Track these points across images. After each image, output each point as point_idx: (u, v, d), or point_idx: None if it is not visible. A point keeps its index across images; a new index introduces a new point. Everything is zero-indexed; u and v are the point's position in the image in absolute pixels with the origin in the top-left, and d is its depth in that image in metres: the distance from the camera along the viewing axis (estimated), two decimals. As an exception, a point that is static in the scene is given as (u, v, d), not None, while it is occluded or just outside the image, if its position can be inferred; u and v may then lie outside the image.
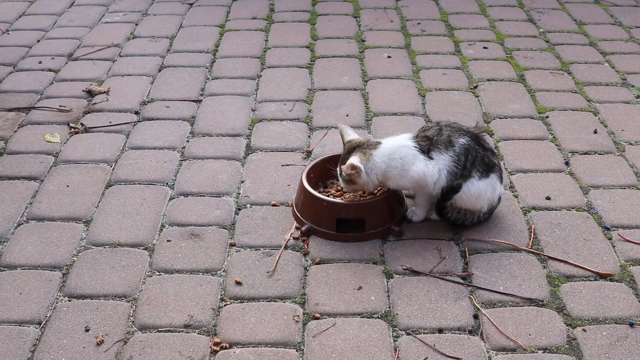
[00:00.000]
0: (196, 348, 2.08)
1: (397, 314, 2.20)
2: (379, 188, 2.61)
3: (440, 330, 2.14)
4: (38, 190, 2.77)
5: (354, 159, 2.39)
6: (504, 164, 2.91)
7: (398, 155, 2.42)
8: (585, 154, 2.99)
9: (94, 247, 2.48)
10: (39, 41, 4.06)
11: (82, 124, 3.21)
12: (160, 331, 2.14)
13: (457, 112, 3.28)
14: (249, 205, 2.69)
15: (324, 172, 2.69)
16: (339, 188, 2.66)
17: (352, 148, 2.47)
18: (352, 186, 2.48)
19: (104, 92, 3.49)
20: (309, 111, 3.31)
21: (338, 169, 2.51)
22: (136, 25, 4.26)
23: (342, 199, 2.59)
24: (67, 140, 3.10)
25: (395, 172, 2.42)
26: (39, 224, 2.59)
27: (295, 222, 2.57)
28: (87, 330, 2.13)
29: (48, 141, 3.09)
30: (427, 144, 2.43)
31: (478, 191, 2.44)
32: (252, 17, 4.34)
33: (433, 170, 2.40)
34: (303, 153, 2.99)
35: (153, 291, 2.29)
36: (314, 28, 4.19)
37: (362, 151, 2.43)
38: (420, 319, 2.18)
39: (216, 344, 2.09)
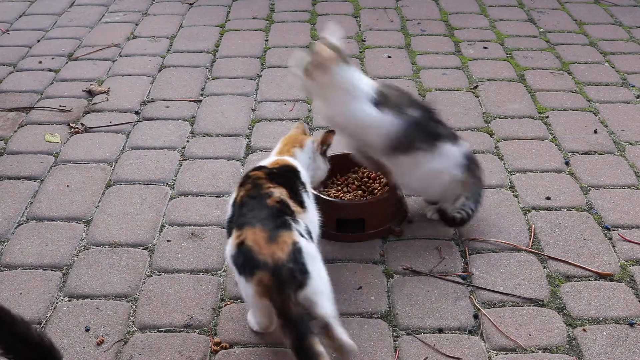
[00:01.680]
0: (196, 348, 2.08)
1: (397, 314, 2.20)
2: (378, 188, 2.61)
3: (440, 330, 2.14)
4: (38, 190, 2.77)
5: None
6: (503, 164, 2.91)
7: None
8: (585, 154, 2.99)
9: (94, 247, 2.48)
10: (39, 41, 4.06)
11: (82, 124, 3.21)
12: (160, 331, 2.14)
13: (457, 112, 3.28)
14: (249, 205, 2.68)
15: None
16: (339, 188, 2.66)
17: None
18: (310, 80, 2.36)
19: (104, 92, 3.49)
20: (309, 111, 3.31)
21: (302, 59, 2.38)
22: (136, 25, 4.26)
23: (342, 199, 2.58)
24: (67, 140, 3.10)
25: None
26: (39, 224, 2.59)
27: (295, 222, 2.57)
28: (87, 330, 2.13)
29: (48, 141, 3.09)
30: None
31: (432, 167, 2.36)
32: (252, 17, 4.34)
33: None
34: (303, 153, 2.99)
35: (153, 291, 2.29)
36: (314, 28, 4.19)
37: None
38: (420, 319, 2.18)
39: (216, 344, 2.09)
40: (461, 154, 2.39)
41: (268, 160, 2.26)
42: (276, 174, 2.14)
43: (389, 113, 2.32)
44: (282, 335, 1.83)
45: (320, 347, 1.79)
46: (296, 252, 1.86)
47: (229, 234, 2.00)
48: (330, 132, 2.38)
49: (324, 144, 2.37)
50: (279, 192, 2.02)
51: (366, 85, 2.39)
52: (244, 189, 2.07)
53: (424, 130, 2.34)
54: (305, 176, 2.22)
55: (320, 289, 1.90)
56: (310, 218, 2.08)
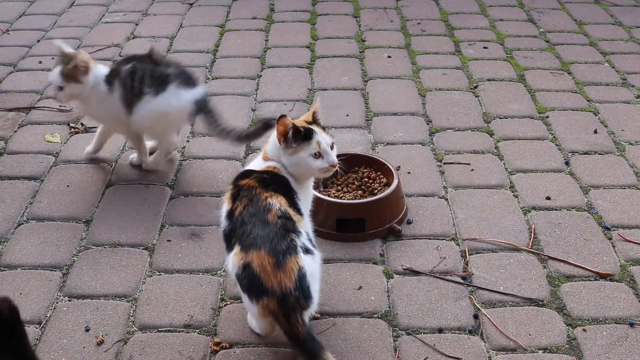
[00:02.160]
0: (196, 348, 2.08)
1: (397, 314, 2.20)
2: (378, 188, 2.60)
3: (440, 330, 2.14)
4: (38, 190, 2.77)
5: (89, 59, 2.63)
6: (503, 164, 2.91)
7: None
8: (585, 154, 2.99)
9: (94, 247, 2.48)
10: (39, 41, 4.06)
11: (82, 124, 3.21)
12: (160, 331, 2.14)
13: (457, 112, 3.28)
14: (249, 205, 2.68)
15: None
16: (339, 188, 2.66)
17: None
18: (69, 83, 2.60)
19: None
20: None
21: (62, 64, 2.60)
22: (136, 25, 4.26)
23: (342, 199, 2.58)
24: (67, 140, 3.10)
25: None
26: (39, 224, 2.59)
27: (295, 222, 2.57)
28: (87, 330, 2.13)
29: (48, 141, 3.09)
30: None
31: (157, 107, 2.63)
32: (252, 17, 4.34)
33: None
34: (303, 153, 2.99)
35: (153, 291, 2.29)
36: (314, 28, 4.19)
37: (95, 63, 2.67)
38: (420, 319, 2.18)
39: (216, 344, 2.09)
40: (191, 97, 2.67)
41: (258, 162, 2.16)
42: (268, 179, 2.04)
43: (116, 83, 2.67)
44: (294, 352, 1.95)
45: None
46: (302, 279, 1.87)
47: (229, 247, 1.99)
48: (281, 117, 2.07)
49: (281, 135, 2.08)
50: (278, 203, 1.96)
51: (101, 70, 2.70)
52: (240, 203, 1.99)
53: (151, 76, 2.64)
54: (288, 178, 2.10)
55: (316, 302, 1.95)
56: (305, 222, 2.05)
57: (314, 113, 2.16)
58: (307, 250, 1.93)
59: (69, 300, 2.26)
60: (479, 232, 2.53)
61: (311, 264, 1.92)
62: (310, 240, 2.00)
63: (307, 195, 2.17)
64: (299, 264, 1.88)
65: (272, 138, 2.13)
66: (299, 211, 2.02)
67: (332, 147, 2.10)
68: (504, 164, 2.92)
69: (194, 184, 2.81)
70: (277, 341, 2.09)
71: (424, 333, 2.13)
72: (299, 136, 2.06)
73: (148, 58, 2.70)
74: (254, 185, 2.01)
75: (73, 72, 2.61)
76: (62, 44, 2.69)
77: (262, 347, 2.08)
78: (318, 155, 2.07)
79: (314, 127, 2.10)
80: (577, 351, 2.07)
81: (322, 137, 2.08)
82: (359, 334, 2.12)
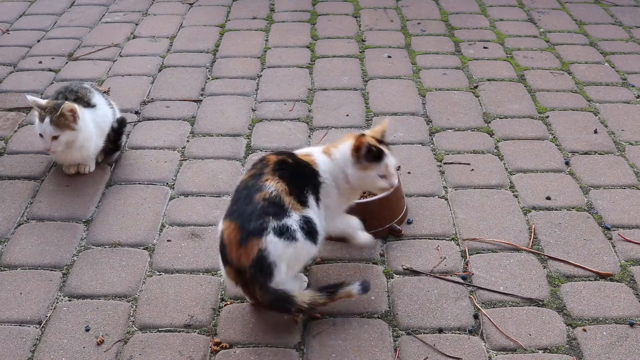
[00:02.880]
0: (196, 348, 2.08)
1: (397, 314, 2.20)
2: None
3: (440, 330, 2.14)
4: (38, 190, 2.77)
5: (75, 104, 2.69)
6: (503, 164, 2.91)
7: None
8: (585, 154, 2.99)
9: (94, 247, 2.48)
10: (39, 41, 4.06)
11: (82, 124, 3.21)
12: (160, 331, 2.14)
13: (457, 112, 3.28)
14: (249, 205, 2.68)
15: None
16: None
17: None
18: (66, 134, 2.67)
19: (104, 92, 3.48)
20: (309, 111, 3.31)
21: (49, 115, 2.65)
22: (136, 25, 4.26)
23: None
24: (67, 140, 3.10)
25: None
26: (39, 224, 2.59)
27: (295, 222, 2.57)
28: (87, 330, 2.13)
29: (48, 141, 3.09)
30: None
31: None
32: (252, 17, 4.34)
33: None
34: (303, 153, 2.99)
35: (153, 291, 2.29)
36: (314, 28, 4.19)
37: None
38: (420, 319, 2.18)
39: (216, 344, 2.09)
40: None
41: (307, 149, 2.30)
42: (289, 165, 2.16)
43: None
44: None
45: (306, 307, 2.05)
46: (262, 259, 2.01)
47: None
48: (361, 136, 2.20)
49: (356, 150, 2.18)
50: (274, 187, 2.07)
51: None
52: (250, 173, 2.16)
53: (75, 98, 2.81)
54: (327, 179, 2.19)
55: (289, 278, 2.08)
56: (311, 215, 2.11)
57: (382, 132, 2.27)
58: (287, 235, 2.02)
59: (69, 300, 2.26)
60: (479, 232, 2.53)
61: (282, 248, 2.02)
62: (305, 224, 2.07)
63: (343, 200, 2.27)
64: (261, 245, 2.00)
65: (344, 145, 2.22)
66: (301, 201, 2.10)
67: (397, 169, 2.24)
68: (504, 164, 2.92)
69: (194, 184, 2.81)
70: (277, 341, 2.09)
71: (424, 333, 2.13)
72: (371, 156, 2.18)
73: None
74: (269, 164, 2.14)
75: (64, 121, 2.67)
76: (34, 97, 2.73)
77: (262, 347, 2.08)
78: (383, 176, 2.20)
79: (384, 149, 2.21)
80: (577, 351, 2.07)
81: (390, 160, 2.21)
82: (359, 334, 2.12)
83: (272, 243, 2.01)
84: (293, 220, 2.05)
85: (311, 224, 2.09)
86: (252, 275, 2.02)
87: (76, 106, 2.68)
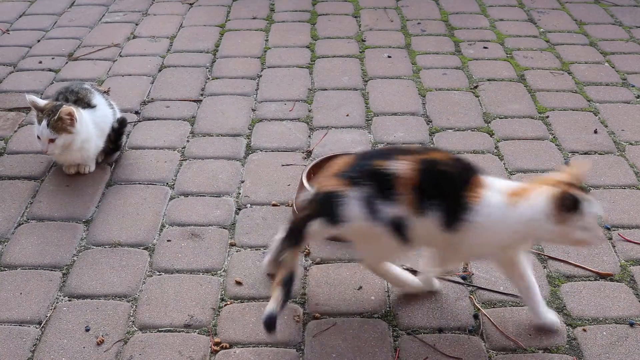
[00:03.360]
0: (196, 348, 2.08)
1: (397, 314, 2.20)
2: None
3: (440, 330, 2.14)
4: (38, 190, 2.77)
5: (73, 107, 2.67)
6: (503, 164, 2.91)
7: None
8: (585, 154, 2.99)
9: (94, 247, 2.48)
10: (39, 41, 4.06)
11: (82, 124, 3.21)
12: (160, 331, 2.14)
13: (457, 112, 3.28)
14: (249, 205, 2.69)
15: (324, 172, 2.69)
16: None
17: (54, 106, 2.68)
18: (63, 137, 2.66)
19: (104, 92, 3.48)
20: (309, 111, 3.31)
21: (47, 118, 2.65)
22: (136, 25, 4.26)
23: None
24: (67, 140, 3.10)
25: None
26: (39, 224, 2.59)
27: (295, 222, 2.57)
28: (87, 330, 2.13)
29: (48, 141, 3.09)
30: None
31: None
32: (252, 17, 4.34)
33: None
34: (303, 153, 2.99)
35: (153, 291, 2.29)
36: (314, 28, 4.19)
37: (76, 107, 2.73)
38: (420, 319, 2.18)
39: (216, 344, 2.09)
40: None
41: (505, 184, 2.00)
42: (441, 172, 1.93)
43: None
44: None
45: None
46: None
47: None
48: (561, 183, 1.89)
49: (559, 202, 1.86)
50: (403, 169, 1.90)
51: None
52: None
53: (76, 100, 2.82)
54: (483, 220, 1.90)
55: None
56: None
57: (578, 177, 1.97)
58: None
59: (69, 300, 2.26)
60: (479, 232, 2.53)
61: None
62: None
63: (496, 250, 2.03)
64: None
65: (537, 196, 1.90)
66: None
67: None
68: (504, 164, 2.92)
69: (194, 184, 2.81)
70: (277, 341, 2.09)
71: (424, 333, 2.13)
72: (574, 207, 1.87)
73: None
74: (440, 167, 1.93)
75: (61, 124, 2.67)
76: (33, 97, 2.72)
77: (262, 347, 2.08)
78: (584, 228, 1.89)
79: (587, 196, 1.91)
80: (577, 351, 2.07)
81: (595, 209, 1.90)
82: (359, 334, 2.12)
83: None
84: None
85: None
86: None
87: (74, 109, 2.68)
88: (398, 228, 1.93)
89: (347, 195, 1.91)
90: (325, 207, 1.95)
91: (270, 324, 1.94)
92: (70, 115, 2.66)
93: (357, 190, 1.91)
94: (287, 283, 1.97)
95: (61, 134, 2.67)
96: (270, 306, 1.94)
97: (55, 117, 2.64)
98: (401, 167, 1.90)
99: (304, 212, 2.01)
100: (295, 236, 2.01)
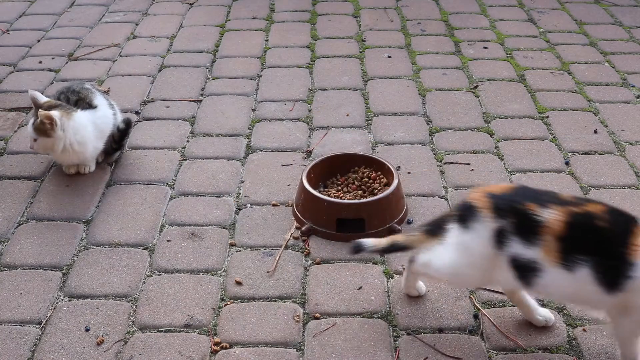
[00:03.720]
0: (196, 348, 2.08)
1: (397, 314, 2.20)
2: (378, 188, 2.61)
3: (440, 330, 2.14)
4: (38, 190, 2.77)
5: (54, 112, 2.64)
6: (503, 164, 2.91)
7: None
8: (585, 154, 2.99)
9: (94, 247, 2.48)
10: (39, 41, 4.06)
11: (82, 124, 3.21)
12: (160, 331, 2.14)
13: (457, 112, 3.28)
14: (249, 205, 2.69)
15: (324, 172, 2.70)
16: (339, 188, 2.67)
17: (52, 106, 2.69)
18: (42, 140, 2.67)
19: (104, 92, 3.48)
20: (309, 111, 3.31)
21: (32, 120, 2.68)
22: (136, 25, 4.26)
23: (342, 199, 2.58)
24: (67, 140, 3.10)
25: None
26: (39, 224, 2.59)
27: (295, 222, 2.57)
28: (87, 330, 2.13)
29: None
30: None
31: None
32: (252, 17, 4.34)
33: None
34: (303, 153, 2.99)
35: (153, 291, 2.29)
36: (314, 28, 4.19)
37: (64, 110, 2.71)
38: (420, 319, 2.18)
39: (216, 344, 2.09)
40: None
41: None
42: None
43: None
44: None
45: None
46: None
47: None
48: None
49: None
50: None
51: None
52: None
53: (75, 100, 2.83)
54: None
55: None
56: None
57: None
58: None
59: (69, 300, 2.26)
60: (479, 232, 2.53)
61: None
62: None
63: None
64: None
65: None
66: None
67: None
68: (504, 164, 2.92)
69: (194, 184, 2.81)
70: (277, 341, 2.09)
71: (424, 333, 2.13)
72: None
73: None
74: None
75: (42, 127, 2.67)
76: (35, 93, 2.73)
77: (262, 347, 2.08)
78: None
79: None
80: (577, 351, 2.07)
81: None
82: (359, 334, 2.12)
83: None
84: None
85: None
86: None
87: (56, 115, 2.65)
88: (521, 268, 1.85)
89: (486, 218, 1.88)
90: (463, 215, 1.96)
91: (357, 248, 2.17)
92: (50, 119, 2.64)
93: (496, 220, 1.86)
94: (396, 247, 2.17)
95: (40, 136, 2.68)
96: (370, 241, 2.17)
97: (38, 119, 2.65)
98: (552, 217, 1.79)
99: (451, 212, 2.08)
100: (433, 225, 2.07)
